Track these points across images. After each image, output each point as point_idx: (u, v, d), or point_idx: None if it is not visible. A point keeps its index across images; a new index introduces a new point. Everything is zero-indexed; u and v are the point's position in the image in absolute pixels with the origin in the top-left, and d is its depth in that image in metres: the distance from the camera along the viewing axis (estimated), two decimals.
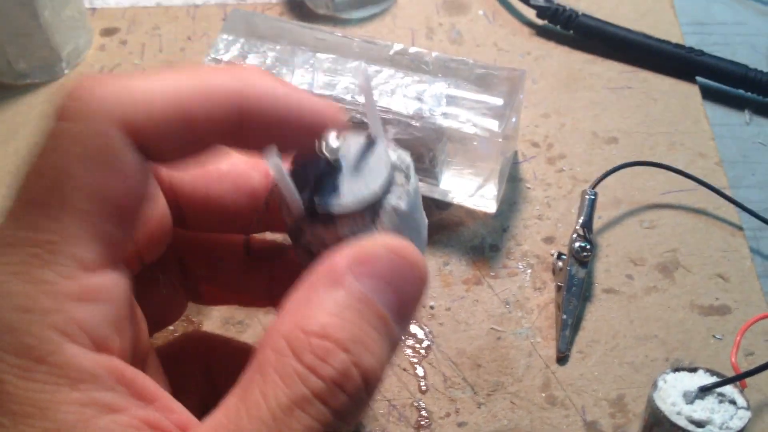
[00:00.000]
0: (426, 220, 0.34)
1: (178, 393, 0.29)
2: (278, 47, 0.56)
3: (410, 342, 0.51)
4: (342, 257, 0.28)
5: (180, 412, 0.27)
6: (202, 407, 0.40)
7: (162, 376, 0.34)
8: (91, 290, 0.26)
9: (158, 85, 0.28)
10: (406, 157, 0.32)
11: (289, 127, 0.30)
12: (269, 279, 0.39)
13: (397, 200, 0.31)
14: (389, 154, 0.31)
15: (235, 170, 0.36)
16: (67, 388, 0.25)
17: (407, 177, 0.31)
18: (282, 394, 0.26)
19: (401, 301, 0.29)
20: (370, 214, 0.30)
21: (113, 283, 0.27)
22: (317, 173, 0.31)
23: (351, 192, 0.30)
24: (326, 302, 0.27)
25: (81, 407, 0.25)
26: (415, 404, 0.48)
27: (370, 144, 0.32)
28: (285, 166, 0.30)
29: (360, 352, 0.27)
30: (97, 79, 0.28)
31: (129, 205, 0.28)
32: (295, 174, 0.31)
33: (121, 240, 0.28)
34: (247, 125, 0.29)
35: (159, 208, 0.34)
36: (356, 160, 0.31)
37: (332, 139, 0.30)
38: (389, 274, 0.28)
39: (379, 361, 0.27)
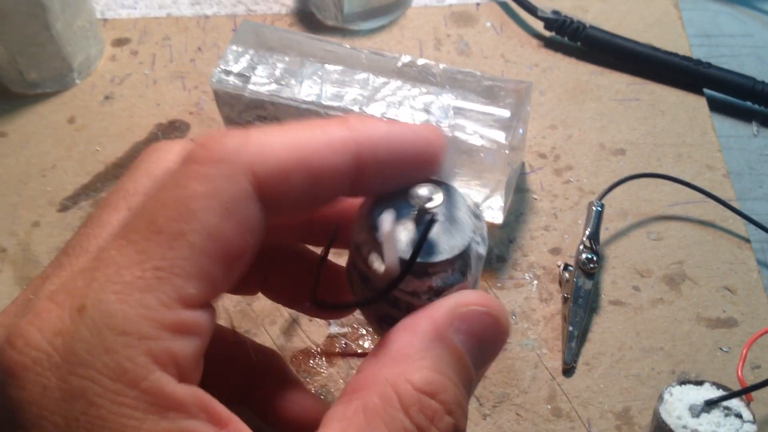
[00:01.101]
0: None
1: (215, 381, 0.30)
2: (287, 58, 0.56)
3: None
4: (444, 311, 0.29)
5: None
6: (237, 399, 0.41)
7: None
8: (187, 324, 0.26)
9: (280, 136, 0.29)
10: (478, 202, 0.33)
11: (401, 164, 0.31)
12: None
13: (478, 246, 0.31)
14: (468, 201, 0.32)
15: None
16: (156, 416, 0.25)
17: (483, 222, 0.32)
18: None
19: (487, 360, 0.31)
20: (460, 262, 0.30)
21: (205, 321, 0.27)
22: (406, 222, 0.31)
23: (443, 244, 0.30)
24: (431, 355, 0.28)
25: None
26: None
27: (449, 191, 0.32)
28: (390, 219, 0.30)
29: (459, 417, 0.28)
30: (224, 132, 0.29)
31: (240, 255, 0.28)
32: (375, 212, 0.31)
33: (222, 284, 0.28)
34: (363, 172, 0.30)
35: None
36: (445, 211, 0.31)
37: (425, 191, 0.30)
38: (483, 334, 0.30)
39: (466, 420, 0.29)
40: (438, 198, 0.30)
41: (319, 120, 0.30)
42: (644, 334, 0.51)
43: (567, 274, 0.53)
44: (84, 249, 0.29)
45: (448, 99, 0.53)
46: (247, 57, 0.56)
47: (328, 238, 0.33)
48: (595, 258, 0.52)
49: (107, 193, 0.32)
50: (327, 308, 0.33)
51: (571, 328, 0.51)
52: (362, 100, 0.54)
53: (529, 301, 0.53)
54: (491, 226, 0.56)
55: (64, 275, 0.28)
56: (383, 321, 0.32)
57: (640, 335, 0.51)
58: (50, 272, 0.29)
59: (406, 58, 0.55)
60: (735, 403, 0.43)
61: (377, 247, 0.30)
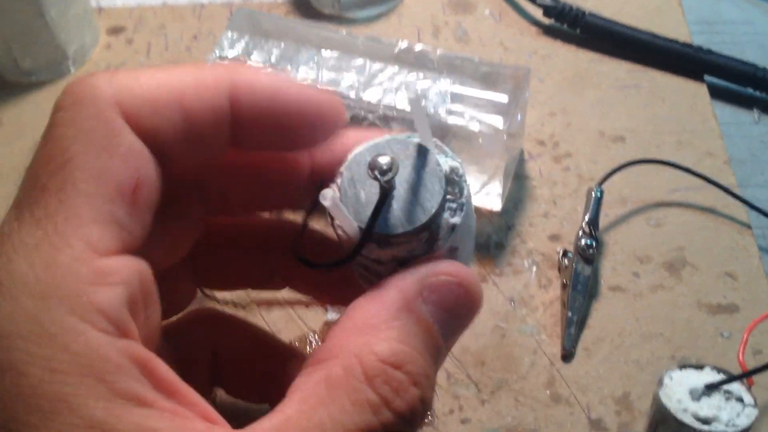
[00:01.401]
0: (475, 222, 0.34)
1: (185, 372, 0.29)
2: (283, 45, 0.56)
3: None
4: (413, 281, 0.29)
5: (203, 406, 0.27)
6: (209, 386, 0.40)
7: (171, 357, 0.33)
8: (105, 272, 0.25)
9: (150, 73, 0.28)
10: (458, 166, 0.31)
11: (286, 120, 0.30)
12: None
13: (451, 217, 0.30)
14: (442, 167, 0.30)
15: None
16: (92, 380, 0.24)
17: (460, 188, 0.30)
18: (351, 422, 0.26)
19: (456, 331, 0.30)
20: (426, 233, 0.30)
21: (126, 265, 0.26)
22: (370, 195, 0.30)
23: (406, 214, 0.29)
24: (397, 326, 0.28)
25: (108, 401, 0.24)
26: None
27: (421, 155, 0.30)
28: (334, 190, 0.30)
29: (425, 387, 0.28)
30: (92, 73, 0.28)
31: (136, 190, 0.27)
32: (346, 196, 0.30)
33: (131, 225, 0.27)
34: (242, 117, 0.29)
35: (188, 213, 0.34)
36: (409, 177, 0.30)
37: (383, 160, 0.29)
38: (454, 305, 0.29)
39: (432, 385, 0.29)
40: (395, 168, 0.29)
41: (200, 64, 0.30)
42: (644, 320, 0.51)
43: (566, 261, 0.52)
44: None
45: (446, 84, 0.53)
46: (243, 43, 0.56)
47: (314, 193, 0.32)
48: (594, 244, 0.52)
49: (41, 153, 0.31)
50: (305, 264, 0.32)
51: (570, 314, 0.50)
52: (359, 85, 0.53)
53: (528, 288, 0.53)
54: (490, 213, 0.56)
55: None
56: (366, 282, 0.32)
57: (639, 321, 0.51)
58: None
59: (403, 44, 0.55)
60: (736, 387, 0.43)
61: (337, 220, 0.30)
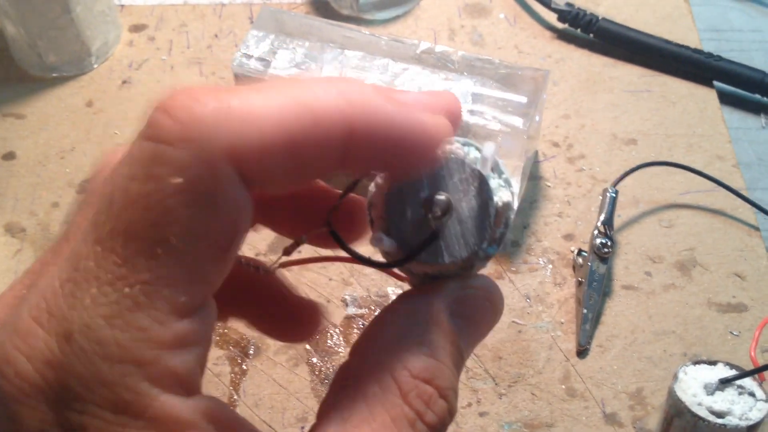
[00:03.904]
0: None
1: None
2: (307, 44, 0.57)
3: None
4: (443, 296, 0.29)
5: None
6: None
7: None
8: (184, 336, 0.24)
9: (263, 106, 0.25)
10: (511, 201, 0.29)
11: (397, 150, 0.27)
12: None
13: (489, 247, 0.29)
14: (495, 202, 0.29)
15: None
16: None
17: (506, 221, 0.29)
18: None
19: (477, 341, 0.31)
20: (461, 266, 0.29)
21: (203, 323, 0.25)
22: (416, 215, 0.29)
23: (447, 245, 0.29)
24: (427, 342, 0.28)
25: None
26: None
27: (478, 186, 0.29)
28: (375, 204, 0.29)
29: (452, 399, 0.28)
30: (196, 98, 0.24)
31: (231, 246, 0.25)
32: (390, 206, 0.30)
33: (216, 279, 0.25)
34: (353, 150, 0.26)
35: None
36: (460, 208, 0.29)
37: (440, 201, 0.29)
38: (479, 317, 0.30)
39: (457, 399, 0.29)
40: (449, 212, 0.29)
41: (308, 80, 0.26)
42: (656, 317, 0.52)
43: (581, 259, 0.54)
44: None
45: (467, 85, 0.54)
46: (268, 42, 0.57)
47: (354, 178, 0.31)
48: (609, 243, 0.53)
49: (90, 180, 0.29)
50: (336, 240, 0.31)
51: (585, 311, 0.52)
52: (382, 85, 0.54)
53: (543, 285, 0.54)
54: None
55: (46, 285, 0.25)
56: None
57: (652, 319, 0.52)
58: (38, 269, 0.27)
59: (424, 45, 0.56)
60: (748, 383, 0.44)
61: (383, 224, 0.29)
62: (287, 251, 0.34)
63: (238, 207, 0.25)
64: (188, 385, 0.25)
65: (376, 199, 0.30)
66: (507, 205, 0.29)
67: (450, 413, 0.29)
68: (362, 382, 0.28)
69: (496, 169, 0.30)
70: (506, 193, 0.29)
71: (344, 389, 0.28)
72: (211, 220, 0.24)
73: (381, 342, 0.29)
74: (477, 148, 0.30)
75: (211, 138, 0.24)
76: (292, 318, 0.38)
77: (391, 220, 0.30)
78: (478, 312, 0.30)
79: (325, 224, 0.31)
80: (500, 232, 0.29)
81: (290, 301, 0.39)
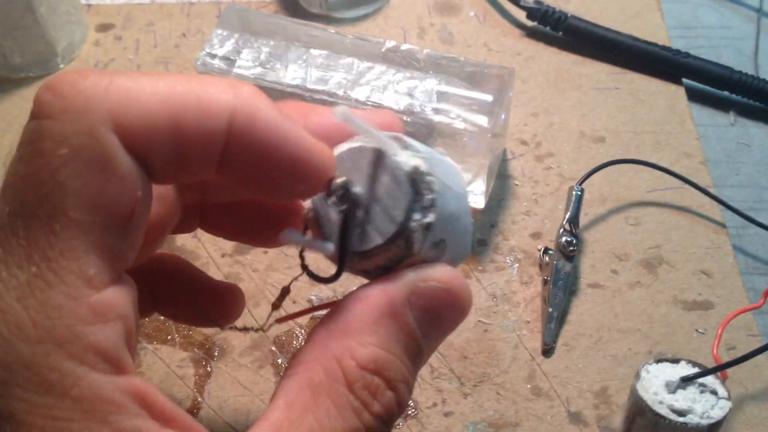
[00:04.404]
0: (465, 204, 0.32)
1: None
2: (272, 43, 0.56)
3: None
4: (401, 286, 0.29)
5: (198, 429, 0.27)
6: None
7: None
8: (102, 309, 0.24)
9: (148, 84, 0.25)
10: (421, 162, 0.29)
11: (275, 161, 0.28)
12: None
13: (423, 216, 0.29)
14: (403, 169, 0.29)
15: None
16: (96, 423, 0.24)
17: (428, 184, 0.29)
18: (338, 426, 0.27)
19: (441, 336, 0.31)
20: (401, 240, 0.29)
21: (121, 297, 0.25)
22: (337, 215, 0.30)
23: (376, 227, 0.29)
24: (379, 331, 0.28)
25: None
26: None
27: (379, 161, 0.29)
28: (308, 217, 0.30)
29: (402, 391, 0.29)
30: (80, 74, 0.25)
31: (129, 213, 0.25)
32: (320, 216, 0.30)
33: (124, 250, 0.26)
34: (233, 146, 0.27)
35: (163, 208, 0.33)
36: (372, 188, 0.29)
37: (337, 183, 0.29)
38: (440, 311, 0.30)
39: (411, 391, 0.30)
40: (350, 191, 0.29)
41: (201, 75, 0.27)
42: (622, 315, 0.52)
43: (547, 258, 0.54)
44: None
45: (432, 83, 0.54)
46: (233, 41, 0.57)
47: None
48: (574, 241, 0.53)
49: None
50: (312, 277, 0.32)
51: (550, 310, 0.51)
52: (347, 84, 0.54)
53: (510, 284, 0.54)
54: (473, 211, 0.57)
55: None
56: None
57: (618, 317, 0.52)
58: None
59: (390, 43, 0.56)
60: (710, 381, 0.44)
61: (322, 236, 0.30)
62: (275, 306, 0.37)
63: (129, 174, 0.25)
64: (115, 362, 0.25)
65: (310, 213, 0.31)
66: (416, 170, 0.29)
67: (399, 405, 0.29)
68: (310, 369, 0.28)
69: (401, 141, 0.30)
70: (414, 159, 0.29)
71: (293, 376, 0.28)
72: (102, 187, 0.24)
73: (333, 330, 0.28)
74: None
75: (91, 107, 0.24)
76: (213, 303, 0.39)
77: (322, 227, 0.30)
78: (439, 305, 0.30)
79: (302, 267, 0.33)
80: (429, 198, 0.29)
81: (210, 287, 0.39)
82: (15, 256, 0.24)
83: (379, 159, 0.29)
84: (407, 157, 0.29)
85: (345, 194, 0.29)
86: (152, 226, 0.31)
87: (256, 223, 0.37)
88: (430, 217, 0.29)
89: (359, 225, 0.29)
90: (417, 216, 0.29)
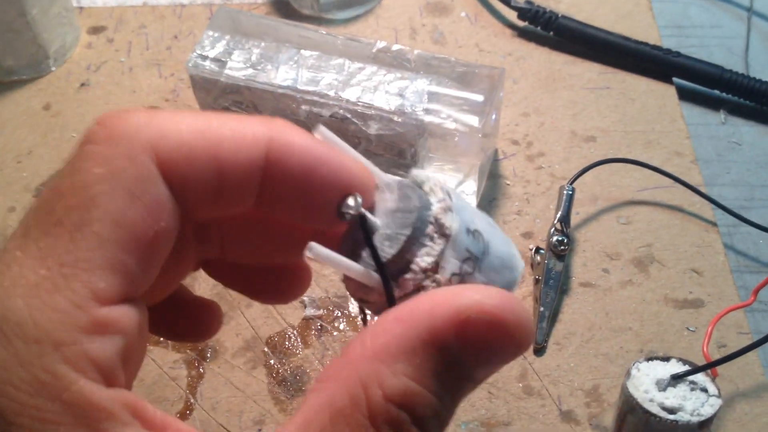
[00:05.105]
0: (502, 236, 0.31)
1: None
2: (263, 44, 0.57)
3: None
4: (446, 312, 0.25)
5: None
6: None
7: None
8: (103, 323, 0.24)
9: (188, 118, 0.26)
10: (417, 178, 0.29)
11: (314, 185, 0.28)
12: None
13: (440, 215, 0.27)
14: (406, 181, 0.29)
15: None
16: (84, 428, 0.23)
17: (446, 201, 0.28)
18: None
19: (490, 371, 0.27)
20: (415, 241, 0.27)
21: (125, 316, 0.25)
22: (355, 236, 0.29)
23: (386, 235, 0.28)
24: (415, 361, 0.25)
25: None
26: None
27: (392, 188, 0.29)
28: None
29: (431, 427, 0.25)
30: (126, 110, 0.26)
31: (153, 241, 0.26)
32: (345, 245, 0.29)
33: (138, 274, 0.26)
34: (271, 177, 0.27)
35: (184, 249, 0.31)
36: (381, 207, 0.29)
37: (351, 201, 0.28)
38: (490, 346, 0.26)
39: (444, 428, 0.26)
40: (360, 202, 0.28)
41: (235, 115, 0.28)
42: (613, 314, 0.53)
43: (538, 257, 0.54)
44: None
45: (423, 84, 0.54)
46: (224, 42, 0.57)
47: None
48: (565, 240, 0.53)
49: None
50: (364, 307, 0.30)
51: (542, 309, 0.52)
52: (338, 84, 0.54)
53: None
54: None
55: None
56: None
57: (609, 316, 0.52)
58: None
59: (381, 44, 0.56)
60: (701, 378, 0.44)
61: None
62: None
63: (160, 202, 0.26)
64: (108, 374, 0.25)
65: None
66: (418, 184, 0.29)
67: None
68: (334, 389, 0.26)
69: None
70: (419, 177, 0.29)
71: (318, 392, 0.26)
72: (130, 208, 0.25)
73: (366, 350, 0.26)
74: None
75: (134, 135, 0.25)
76: (191, 320, 0.38)
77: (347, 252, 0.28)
78: (489, 340, 0.26)
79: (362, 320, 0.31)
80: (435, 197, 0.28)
81: (189, 303, 0.38)
82: (31, 259, 0.24)
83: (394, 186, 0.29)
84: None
85: (354, 205, 0.28)
86: (167, 270, 0.30)
87: (264, 281, 0.37)
88: (454, 222, 0.28)
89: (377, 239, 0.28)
90: (428, 217, 0.28)
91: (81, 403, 0.24)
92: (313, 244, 0.26)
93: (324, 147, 0.28)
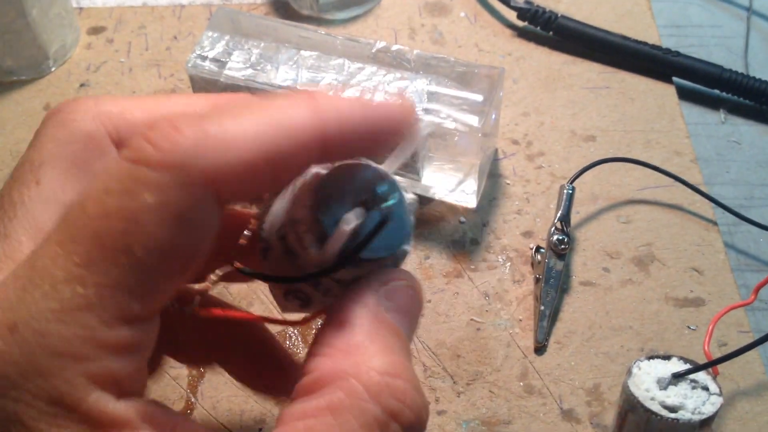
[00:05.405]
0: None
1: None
2: (263, 44, 0.57)
3: None
4: (372, 294, 0.29)
5: None
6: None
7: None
8: (128, 342, 0.25)
9: (237, 129, 0.26)
10: (415, 202, 0.32)
11: (366, 143, 0.29)
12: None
13: (407, 246, 0.31)
14: (408, 197, 0.31)
15: None
16: None
17: (412, 216, 0.31)
18: None
19: (414, 330, 0.31)
20: (390, 261, 0.31)
21: (147, 334, 0.26)
22: (354, 212, 0.30)
23: (385, 241, 0.30)
24: (379, 340, 0.28)
25: None
26: None
27: (398, 188, 0.31)
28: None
29: (422, 393, 0.28)
30: (174, 124, 0.25)
31: (190, 264, 0.26)
32: (325, 189, 0.30)
33: (168, 294, 0.26)
34: (326, 153, 0.28)
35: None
36: (395, 210, 0.31)
37: (382, 188, 0.30)
38: (409, 306, 0.30)
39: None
40: (394, 198, 0.30)
41: (280, 98, 0.28)
42: (614, 313, 0.53)
43: (539, 256, 0.54)
44: (2, 234, 0.28)
45: (422, 84, 0.54)
46: (223, 43, 0.57)
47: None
48: (566, 239, 0.53)
49: (15, 168, 0.30)
50: (243, 274, 0.31)
51: (542, 308, 0.52)
52: (337, 85, 0.54)
53: (502, 283, 0.54)
54: (465, 210, 0.57)
55: None
56: (291, 294, 0.31)
57: (609, 314, 0.52)
58: None
59: (380, 44, 0.56)
60: (702, 377, 0.44)
61: (319, 231, 0.29)
62: (201, 293, 0.34)
63: (207, 227, 0.26)
64: (126, 388, 0.25)
65: (300, 215, 0.30)
66: (411, 204, 0.31)
67: (426, 409, 0.28)
68: (325, 391, 0.26)
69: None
70: (410, 195, 0.32)
71: (306, 401, 0.27)
72: (179, 240, 0.25)
73: (334, 353, 0.27)
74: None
75: (190, 164, 0.25)
76: (274, 371, 0.39)
77: (323, 225, 0.29)
78: (406, 301, 0.30)
79: (231, 264, 0.32)
80: (411, 233, 0.31)
81: (274, 353, 0.40)
82: (66, 273, 0.25)
83: (397, 188, 0.31)
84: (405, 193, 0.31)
85: (386, 199, 0.30)
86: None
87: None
88: (408, 247, 0.31)
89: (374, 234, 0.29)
90: (406, 245, 0.31)
91: (96, 414, 0.24)
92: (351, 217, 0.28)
93: (365, 106, 0.29)
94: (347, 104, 0.29)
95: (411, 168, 0.55)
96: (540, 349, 0.51)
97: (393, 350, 0.28)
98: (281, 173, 0.28)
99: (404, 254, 0.31)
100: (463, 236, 0.56)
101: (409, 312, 0.30)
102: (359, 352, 0.27)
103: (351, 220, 0.28)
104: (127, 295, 0.25)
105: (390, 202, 0.30)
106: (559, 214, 0.55)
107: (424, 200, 0.58)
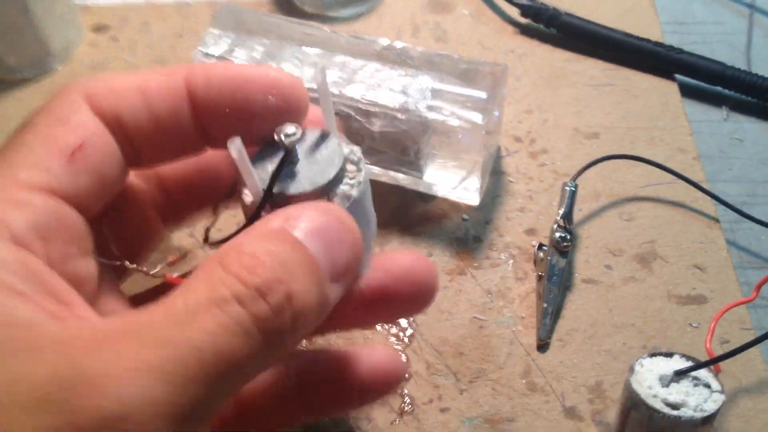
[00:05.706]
0: (375, 214, 0.37)
1: None
2: (266, 42, 0.57)
3: (394, 330, 0.52)
4: (277, 215, 0.30)
5: (94, 320, 0.29)
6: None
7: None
8: (19, 200, 0.30)
9: (124, 74, 0.34)
10: (358, 151, 0.35)
11: (247, 102, 0.34)
12: None
13: (348, 188, 0.33)
14: (342, 147, 0.34)
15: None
16: None
17: (359, 169, 0.34)
18: (201, 294, 0.27)
19: (333, 256, 0.30)
20: (325, 197, 0.33)
21: (43, 201, 0.30)
22: (276, 160, 0.33)
23: (306, 178, 0.33)
24: (261, 243, 0.29)
25: None
26: (399, 390, 0.49)
27: (324, 137, 0.34)
28: (246, 151, 0.32)
29: (288, 278, 0.28)
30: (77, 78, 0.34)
31: (75, 150, 0.31)
32: (256, 159, 0.34)
33: (66, 179, 0.31)
34: (201, 103, 0.34)
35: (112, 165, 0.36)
36: (312, 150, 0.34)
37: (289, 128, 0.33)
38: (322, 229, 0.30)
39: (307, 296, 0.29)
40: (298, 134, 0.33)
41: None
42: (616, 310, 0.53)
43: (541, 254, 0.54)
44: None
45: (426, 81, 0.54)
46: (227, 40, 0.57)
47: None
48: (568, 237, 0.53)
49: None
50: (215, 243, 0.34)
51: (545, 305, 0.52)
52: (341, 82, 0.54)
53: (504, 280, 0.54)
54: (468, 208, 0.57)
55: None
56: None
57: (612, 312, 0.53)
58: None
59: (384, 41, 0.56)
60: (704, 374, 0.44)
61: (242, 179, 0.33)
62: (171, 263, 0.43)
63: (83, 124, 0.32)
64: (17, 239, 0.29)
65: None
66: (353, 151, 0.35)
67: (283, 284, 0.28)
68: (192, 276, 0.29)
69: (338, 136, 0.35)
70: (352, 146, 0.35)
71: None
72: (57, 129, 0.32)
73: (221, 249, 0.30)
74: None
75: (71, 85, 0.33)
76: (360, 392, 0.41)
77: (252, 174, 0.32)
78: (319, 225, 0.30)
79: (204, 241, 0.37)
80: (357, 180, 0.34)
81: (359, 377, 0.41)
82: None
83: (324, 137, 0.34)
84: (348, 146, 0.35)
85: (291, 134, 0.33)
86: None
87: None
88: (354, 192, 0.33)
89: (292, 173, 0.33)
90: (344, 186, 0.33)
91: None
92: (237, 139, 0.31)
93: (244, 66, 0.34)
94: (221, 64, 0.35)
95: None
96: (543, 346, 0.51)
97: (269, 250, 0.28)
98: (153, 105, 0.33)
99: (344, 197, 0.33)
100: (465, 234, 0.56)
101: (322, 235, 0.30)
102: (234, 241, 0.29)
103: (233, 146, 0.31)
104: (17, 168, 0.30)
105: (293, 137, 0.33)
106: (561, 212, 0.55)
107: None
